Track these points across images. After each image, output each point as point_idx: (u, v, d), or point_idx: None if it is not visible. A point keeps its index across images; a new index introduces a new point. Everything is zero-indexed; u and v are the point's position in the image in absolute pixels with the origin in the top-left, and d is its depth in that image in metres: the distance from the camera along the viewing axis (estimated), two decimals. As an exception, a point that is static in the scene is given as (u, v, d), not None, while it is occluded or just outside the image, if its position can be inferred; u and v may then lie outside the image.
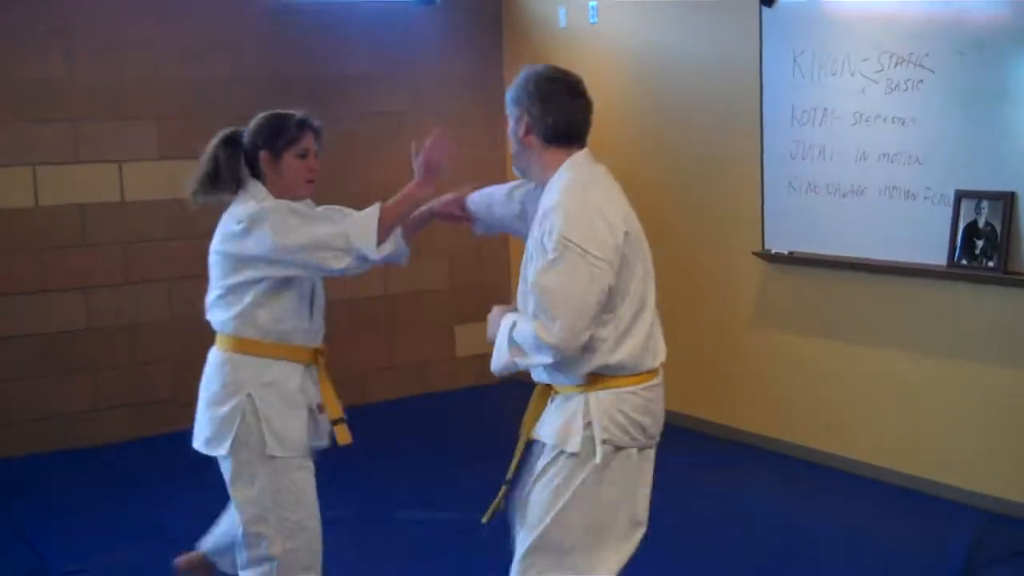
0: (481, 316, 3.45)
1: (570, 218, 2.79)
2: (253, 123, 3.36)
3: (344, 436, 3.42)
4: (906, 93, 4.83)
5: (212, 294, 3.35)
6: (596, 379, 2.90)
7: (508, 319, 2.91)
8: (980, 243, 4.61)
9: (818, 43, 5.18)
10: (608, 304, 2.84)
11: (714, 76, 5.81)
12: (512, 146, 3.01)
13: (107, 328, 6.19)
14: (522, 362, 2.87)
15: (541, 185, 2.97)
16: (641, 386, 2.95)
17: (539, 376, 3.01)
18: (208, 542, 3.72)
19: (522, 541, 2.98)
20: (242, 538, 3.36)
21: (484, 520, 3.08)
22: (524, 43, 7.02)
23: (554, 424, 2.94)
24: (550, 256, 2.78)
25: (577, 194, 2.86)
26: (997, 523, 4.57)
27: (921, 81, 4.77)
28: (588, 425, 2.89)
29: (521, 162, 3.00)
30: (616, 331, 2.88)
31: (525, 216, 3.15)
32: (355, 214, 3.24)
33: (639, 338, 2.93)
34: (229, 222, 3.28)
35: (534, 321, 2.81)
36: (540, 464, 2.97)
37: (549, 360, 2.82)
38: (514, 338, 2.86)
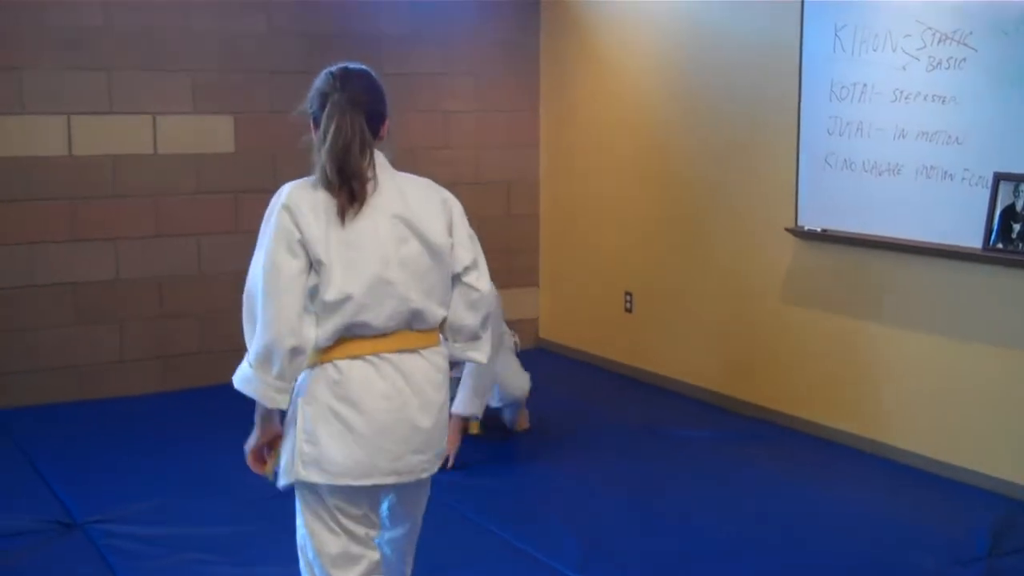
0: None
1: None
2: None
3: None
4: (948, 71, 4.76)
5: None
6: None
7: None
8: (1017, 227, 4.54)
9: (860, 18, 5.10)
10: None
11: (753, 48, 5.73)
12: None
13: (136, 280, 6.22)
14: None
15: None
16: None
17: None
18: None
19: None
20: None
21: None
22: (562, 7, 6.95)
23: None
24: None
25: None
26: (1022, 511, 4.54)
27: (963, 60, 4.69)
28: None
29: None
30: None
31: None
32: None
33: None
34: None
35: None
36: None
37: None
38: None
